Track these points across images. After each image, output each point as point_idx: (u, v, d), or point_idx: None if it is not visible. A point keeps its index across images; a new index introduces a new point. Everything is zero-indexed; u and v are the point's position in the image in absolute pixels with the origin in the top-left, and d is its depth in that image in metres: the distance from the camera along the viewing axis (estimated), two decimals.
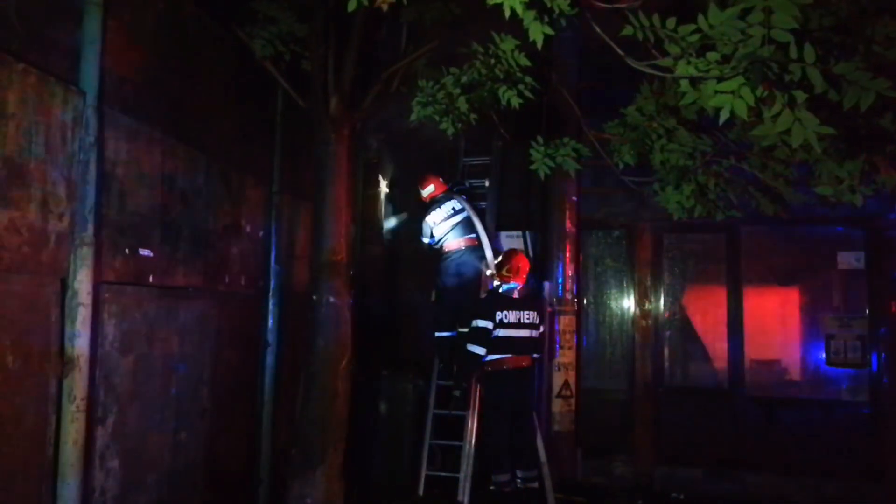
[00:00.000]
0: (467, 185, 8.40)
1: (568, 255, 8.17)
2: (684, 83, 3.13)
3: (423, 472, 7.34)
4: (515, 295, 6.80)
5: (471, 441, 7.09)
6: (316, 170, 6.25)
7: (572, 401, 8.05)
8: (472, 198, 8.11)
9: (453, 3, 5.90)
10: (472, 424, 7.12)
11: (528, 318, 6.77)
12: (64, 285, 3.96)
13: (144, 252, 4.67)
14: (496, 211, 8.33)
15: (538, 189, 8.34)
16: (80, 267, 4.00)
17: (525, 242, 8.44)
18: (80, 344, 3.98)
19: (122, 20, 4.49)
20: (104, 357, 4.30)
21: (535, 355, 6.91)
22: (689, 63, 3.01)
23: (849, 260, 7.56)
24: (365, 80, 6.36)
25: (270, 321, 6.54)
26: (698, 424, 8.02)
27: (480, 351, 6.64)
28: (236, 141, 6.06)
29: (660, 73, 3.18)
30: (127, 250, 4.51)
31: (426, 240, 7.88)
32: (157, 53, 4.90)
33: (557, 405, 8.01)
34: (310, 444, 6.05)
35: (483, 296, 7.27)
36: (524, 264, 6.90)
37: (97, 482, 4.26)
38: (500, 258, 7.00)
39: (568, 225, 8.21)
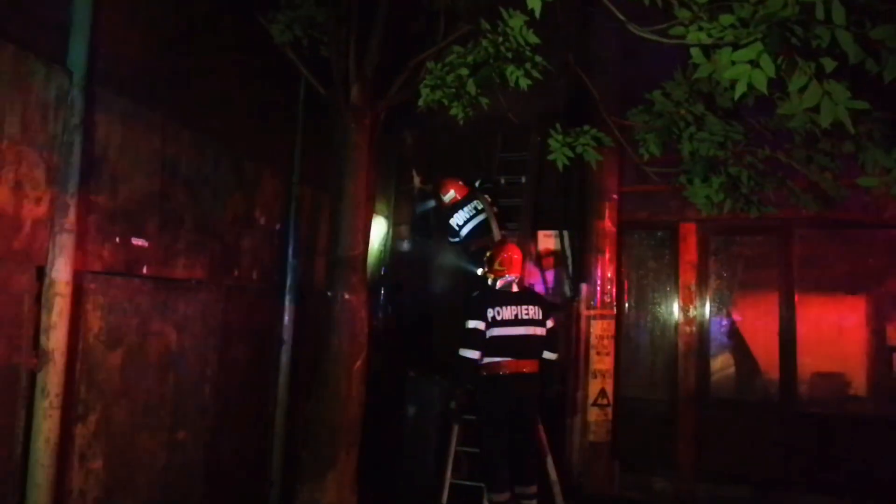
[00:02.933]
0: (491, 184, 8.01)
1: (607, 256, 7.75)
2: (696, 53, 2.73)
3: (448, 480, 7.00)
4: (515, 289, 6.07)
5: None
6: (335, 161, 6.00)
7: (609, 410, 7.61)
8: (497, 195, 7.74)
9: None
10: None
11: (527, 314, 5.90)
12: (41, 274, 3.75)
13: (138, 241, 4.46)
14: (532, 209, 7.96)
15: (577, 186, 7.95)
16: (58, 255, 3.79)
17: (562, 242, 8.07)
18: (56, 336, 3.77)
19: None
20: (87, 351, 4.09)
21: (545, 356, 5.98)
22: (700, 29, 2.63)
23: None
24: (393, 68, 6.10)
25: (286, 318, 6.29)
26: (746, 439, 7.48)
27: (473, 355, 5.79)
28: (252, 129, 5.83)
29: (666, 41, 2.79)
30: (118, 239, 4.30)
31: (453, 239, 7.58)
32: (160, 34, 4.68)
33: (593, 414, 7.59)
34: (320, 447, 5.81)
35: (474, 294, 6.49)
36: (517, 254, 6.20)
37: (75, 483, 4.04)
38: (489, 252, 6.35)
39: (608, 224, 7.78)
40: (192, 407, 5.10)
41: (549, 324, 6.05)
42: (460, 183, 7.65)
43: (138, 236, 4.46)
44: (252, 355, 5.86)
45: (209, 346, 5.26)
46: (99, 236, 4.15)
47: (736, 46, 2.53)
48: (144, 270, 4.53)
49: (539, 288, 8.17)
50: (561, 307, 7.77)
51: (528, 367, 5.86)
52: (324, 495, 5.72)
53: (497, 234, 7.26)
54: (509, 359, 5.83)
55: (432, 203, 8.30)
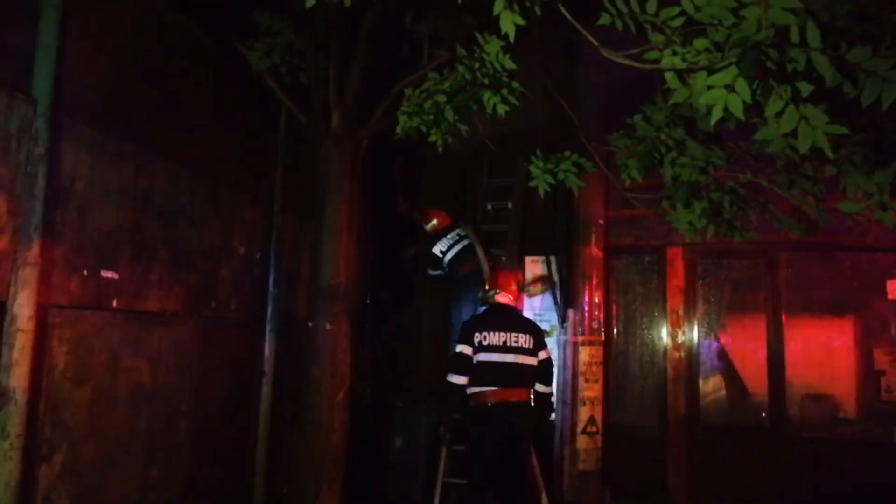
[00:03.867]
0: (480, 216, 7.99)
1: (594, 281, 7.65)
2: (671, 77, 2.65)
3: None
4: (507, 313, 5.87)
5: None
6: (316, 189, 5.92)
7: (598, 438, 7.48)
8: (477, 232, 7.69)
9: (469, 15, 5.56)
10: None
11: (516, 342, 5.62)
12: (2, 309, 3.63)
13: (108, 274, 4.34)
14: (519, 234, 7.88)
15: (564, 211, 7.86)
16: (21, 289, 3.68)
17: (549, 268, 7.98)
18: (18, 374, 3.64)
19: (87, 25, 4.20)
20: (52, 388, 3.95)
21: (537, 388, 5.72)
22: (674, 53, 2.55)
23: None
24: (377, 95, 6.04)
25: (267, 349, 6.15)
26: (737, 464, 7.35)
27: (459, 380, 5.56)
28: (230, 157, 5.74)
29: (639, 66, 2.71)
30: (86, 272, 4.18)
31: (433, 272, 7.49)
32: (131, 61, 4.60)
33: (582, 442, 7.45)
34: (302, 481, 5.69)
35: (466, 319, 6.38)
36: (510, 277, 6.06)
37: None
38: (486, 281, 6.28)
39: (594, 249, 7.69)
40: (167, 444, 4.95)
41: (542, 355, 5.77)
42: (443, 213, 7.59)
43: (108, 268, 4.34)
44: (231, 388, 5.73)
45: (185, 380, 5.12)
46: (66, 269, 4.03)
47: (711, 71, 2.45)
48: (115, 304, 4.40)
49: (526, 314, 8.07)
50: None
51: (516, 396, 5.59)
52: None
53: (483, 258, 7.18)
54: (495, 388, 5.57)
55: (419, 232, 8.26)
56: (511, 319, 5.87)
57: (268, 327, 6.17)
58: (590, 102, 7.43)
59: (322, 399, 5.68)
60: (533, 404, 5.77)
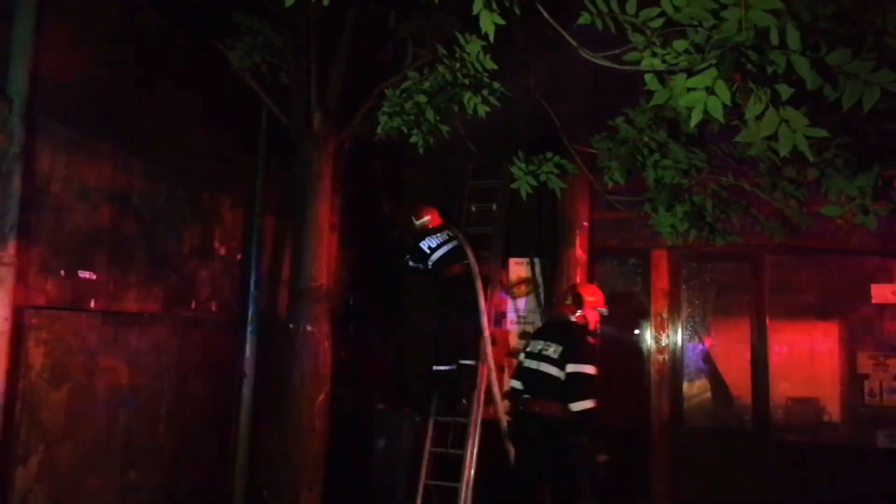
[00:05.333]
0: (464, 218, 7.98)
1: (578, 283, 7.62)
2: (650, 79, 2.64)
3: None
4: (563, 318, 5.99)
5: (468, 482, 6.58)
6: (297, 190, 5.88)
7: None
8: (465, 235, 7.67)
9: (453, 15, 5.54)
10: (471, 465, 6.61)
11: (546, 350, 5.63)
12: None
13: (85, 274, 4.29)
14: (504, 236, 7.86)
15: (548, 213, 7.84)
16: None
17: (533, 270, 7.97)
18: None
19: (63, 25, 4.16)
20: (28, 389, 3.90)
21: (570, 405, 5.40)
22: (654, 55, 2.53)
23: (884, 293, 6.89)
24: (359, 96, 6.00)
25: (248, 350, 6.10)
26: (720, 467, 7.35)
27: (514, 384, 5.90)
28: (210, 157, 5.69)
29: (619, 67, 2.70)
30: (62, 272, 4.13)
31: (413, 263, 7.40)
32: (109, 60, 4.55)
33: None
34: (282, 484, 5.65)
35: None
36: (568, 291, 6.28)
37: None
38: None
39: (579, 252, 7.65)
40: (146, 445, 4.90)
41: (571, 367, 5.51)
42: (436, 212, 7.54)
43: (85, 269, 4.30)
44: (211, 390, 5.68)
45: (164, 381, 5.07)
46: (42, 270, 3.99)
47: (691, 73, 2.43)
48: (92, 304, 4.36)
49: (511, 316, 8.06)
50: None
51: (539, 407, 5.57)
52: None
53: (473, 261, 7.12)
54: (527, 396, 5.69)
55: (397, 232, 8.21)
56: (554, 329, 5.96)
57: (248, 329, 6.13)
58: (573, 103, 7.40)
59: (303, 401, 5.65)
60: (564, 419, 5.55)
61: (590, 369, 5.54)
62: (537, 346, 5.77)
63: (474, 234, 7.84)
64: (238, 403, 6.03)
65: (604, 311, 6.09)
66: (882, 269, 6.98)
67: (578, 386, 5.49)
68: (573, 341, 5.73)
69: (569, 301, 6.04)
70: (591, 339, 6.00)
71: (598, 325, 6.32)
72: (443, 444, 7.04)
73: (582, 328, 5.94)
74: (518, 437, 5.97)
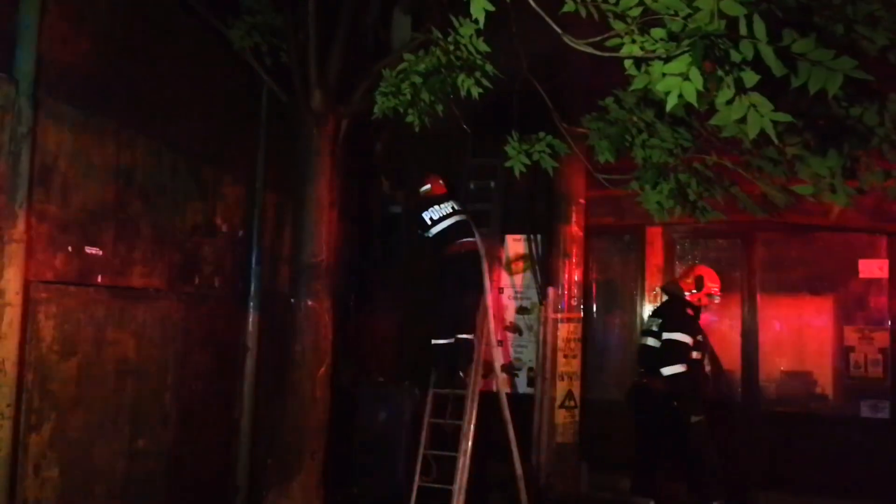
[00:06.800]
0: (463, 195, 7.97)
1: (574, 259, 7.75)
2: (630, 65, 2.77)
3: (416, 483, 7.00)
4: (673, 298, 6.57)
5: (466, 452, 6.73)
6: (298, 166, 6.00)
7: (576, 412, 7.64)
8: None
9: None
10: (469, 436, 6.78)
11: (653, 325, 6.45)
12: None
13: (92, 250, 4.44)
14: (501, 213, 7.95)
15: (545, 191, 7.94)
16: (7, 265, 3.79)
17: (530, 246, 8.09)
18: (7, 347, 3.77)
19: (68, 6, 4.27)
20: (40, 361, 4.07)
21: (661, 370, 6.12)
22: (633, 42, 2.66)
23: (871, 268, 7.03)
24: (360, 74, 6.09)
25: (250, 325, 6.27)
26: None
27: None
28: (213, 135, 5.81)
29: (599, 53, 2.82)
30: (70, 248, 4.29)
31: (422, 232, 7.36)
32: (112, 41, 4.67)
33: (561, 416, 7.61)
34: (286, 453, 5.81)
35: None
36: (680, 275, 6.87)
37: (30, 493, 4.03)
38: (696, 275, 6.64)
39: (575, 228, 7.79)
40: (153, 415, 5.09)
41: (665, 335, 6.21)
42: (441, 182, 7.49)
43: (92, 245, 4.45)
44: (215, 363, 5.85)
45: (169, 354, 5.24)
46: (51, 246, 4.14)
47: (667, 59, 2.56)
48: (99, 279, 4.51)
49: (508, 292, 8.20)
50: None
51: (647, 380, 6.37)
52: (289, 501, 5.72)
53: (479, 238, 7.06)
54: (641, 370, 6.58)
55: (399, 209, 8.27)
56: (663, 305, 6.69)
57: (251, 304, 6.29)
58: (569, 84, 7.47)
59: (304, 373, 5.81)
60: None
61: (681, 336, 6.15)
62: (649, 323, 6.42)
63: (473, 210, 7.92)
64: (241, 376, 6.20)
65: (717, 298, 6.62)
66: (870, 245, 7.12)
67: (669, 351, 6.16)
68: (672, 312, 6.39)
69: (690, 280, 6.54)
70: (689, 311, 6.46)
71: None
72: (442, 415, 7.21)
73: (684, 302, 6.46)
74: (636, 411, 6.63)
